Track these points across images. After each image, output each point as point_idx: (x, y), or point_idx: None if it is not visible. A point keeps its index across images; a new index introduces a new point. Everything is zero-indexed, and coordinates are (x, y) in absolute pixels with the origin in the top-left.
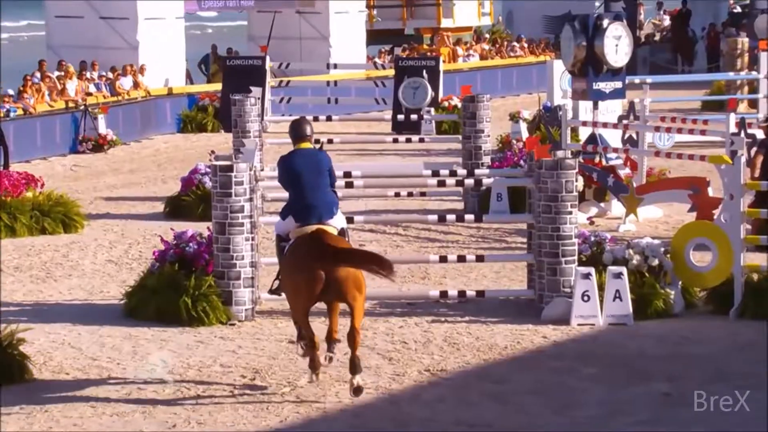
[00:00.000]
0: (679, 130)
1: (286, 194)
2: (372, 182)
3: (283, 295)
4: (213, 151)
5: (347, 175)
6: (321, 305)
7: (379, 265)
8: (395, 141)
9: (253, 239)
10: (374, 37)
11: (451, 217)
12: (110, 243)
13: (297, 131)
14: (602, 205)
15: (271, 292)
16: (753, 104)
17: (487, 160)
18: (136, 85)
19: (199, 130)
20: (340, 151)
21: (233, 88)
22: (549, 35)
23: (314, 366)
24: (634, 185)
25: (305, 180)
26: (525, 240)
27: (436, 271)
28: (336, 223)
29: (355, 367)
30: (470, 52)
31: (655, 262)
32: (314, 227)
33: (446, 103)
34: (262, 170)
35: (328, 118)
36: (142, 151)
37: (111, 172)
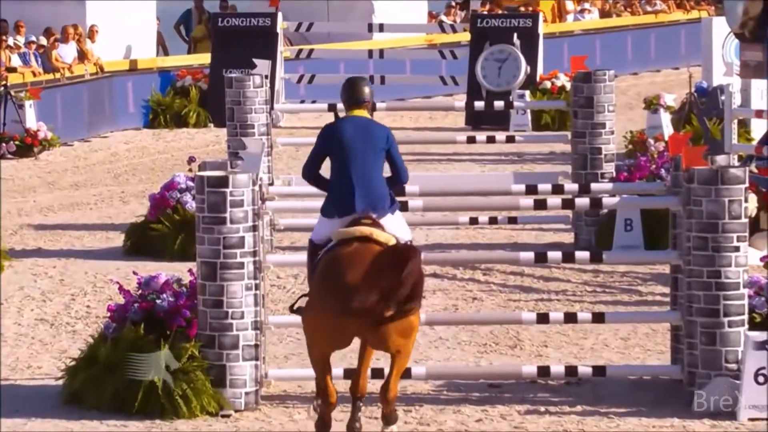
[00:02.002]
0: None
1: (306, 220)
2: (436, 202)
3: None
4: (193, 158)
5: (397, 193)
6: None
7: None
8: (471, 141)
9: (257, 288)
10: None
11: (554, 254)
12: (43, 293)
13: (352, 93)
14: None
15: (293, 311)
16: None
17: (609, 168)
18: (82, 56)
19: (178, 125)
20: None
21: (228, 62)
22: None
23: (323, 429)
24: None
25: (353, 155)
26: (667, 290)
27: (533, 336)
28: (393, 227)
29: (388, 420)
30: (585, 5)
31: None
32: (361, 231)
33: (548, 84)
34: (272, 184)
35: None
36: (91, 156)
37: (45, 186)
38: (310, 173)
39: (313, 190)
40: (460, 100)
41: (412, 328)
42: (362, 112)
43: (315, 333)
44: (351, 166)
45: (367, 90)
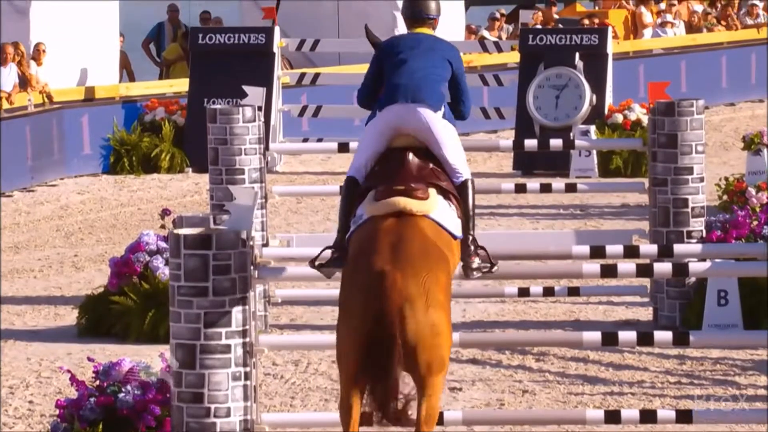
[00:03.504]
0: None
1: (309, 291)
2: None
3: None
4: (167, 211)
5: None
6: None
7: None
8: (521, 189)
9: (247, 377)
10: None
11: (627, 335)
12: None
13: (413, 7)
14: None
15: (313, 264)
16: None
17: (698, 225)
18: (24, 82)
19: (146, 169)
20: None
21: (210, 89)
22: None
23: None
24: None
25: (408, 60)
26: None
27: None
28: (448, 149)
29: None
30: (668, 17)
31: None
32: (394, 203)
33: (620, 117)
34: (267, 245)
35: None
36: (36, 210)
37: None
38: (366, 100)
39: (323, 252)
40: (507, 139)
41: (441, 349)
42: (426, 30)
43: (341, 337)
44: (405, 67)
45: (432, 5)
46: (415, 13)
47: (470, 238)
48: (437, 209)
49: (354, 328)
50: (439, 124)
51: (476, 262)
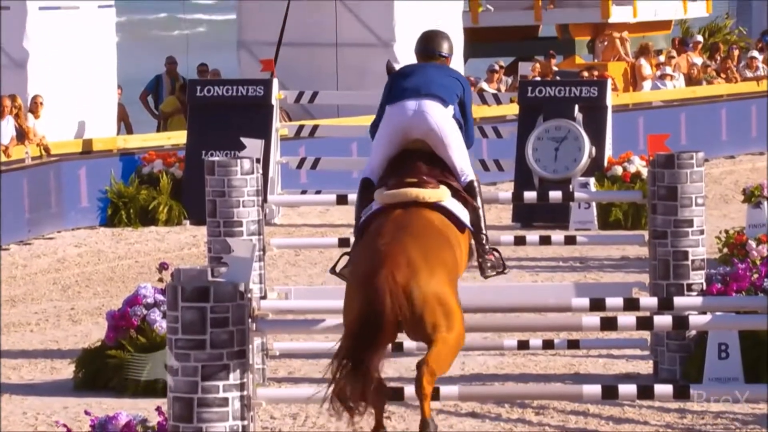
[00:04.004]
0: None
1: (308, 345)
2: (476, 321)
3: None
4: (165, 264)
5: None
6: None
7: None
8: (520, 242)
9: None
10: (481, 41)
11: (628, 389)
12: None
13: (425, 44)
14: None
15: (333, 272)
16: None
17: (698, 278)
18: (22, 135)
19: (144, 222)
20: None
21: (209, 142)
22: None
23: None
24: None
25: (416, 71)
26: None
27: None
28: (454, 150)
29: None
30: (667, 69)
31: None
32: (406, 193)
33: (619, 170)
34: (264, 298)
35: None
36: (32, 263)
37: None
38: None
39: (319, 305)
40: (506, 191)
41: (449, 305)
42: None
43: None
44: (411, 77)
45: (445, 44)
46: (427, 50)
47: (483, 237)
48: (449, 199)
49: (354, 299)
50: (447, 128)
51: (491, 261)
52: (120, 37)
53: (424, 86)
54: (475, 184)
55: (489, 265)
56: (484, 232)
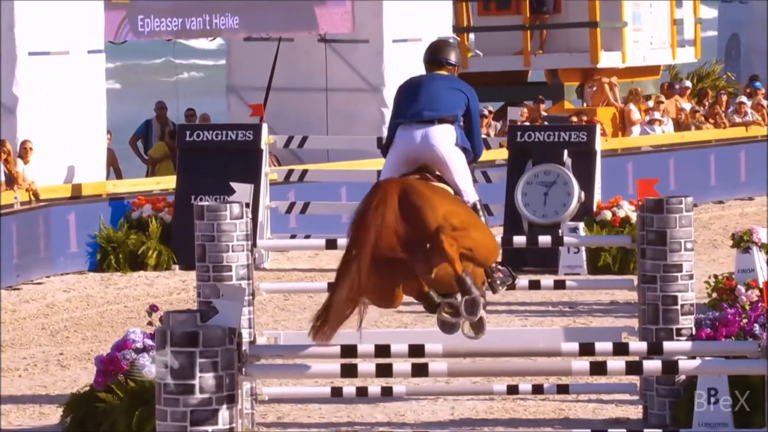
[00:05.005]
0: None
1: (298, 389)
2: (464, 366)
3: None
4: (154, 308)
5: (416, 352)
6: None
7: None
8: (510, 286)
9: None
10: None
11: None
12: None
13: (433, 53)
14: None
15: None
16: None
17: (687, 323)
18: (11, 180)
19: (133, 267)
20: (405, 306)
21: (198, 186)
22: None
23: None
24: None
25: (423, 89)
26: None
27: None
28: (454, 167)
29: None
30: (656, 114)
31: None
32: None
33: (608, 214)
34: (253, 342)
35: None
36: (21, 308)
37: None
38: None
39: (310, 350)
40: (496, 235)
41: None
42: (444, 73)
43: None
44: (418, 95)
45: (453, 53)
46: (435, 57)
47: None
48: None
49: (357, 211)
50: (451, 155)
51: (500, 277)
52: (115, 83)
53: (429, 107)
54: (479, 206)
55: (498, 282)
56: None
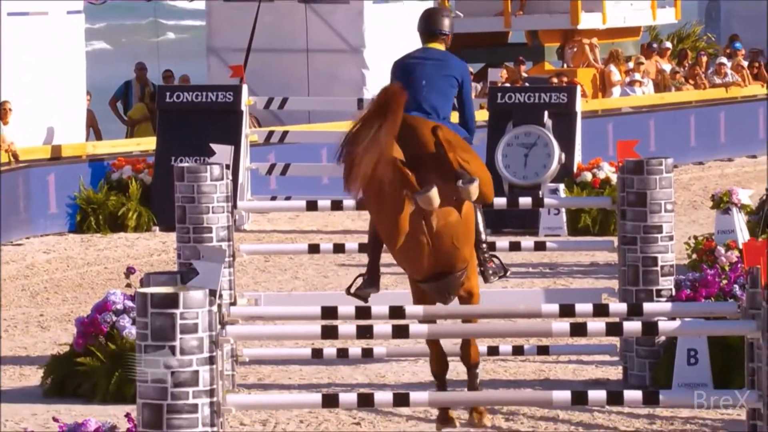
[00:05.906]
0: None
1: (278, 350)
2: (445, 328)
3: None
4: (133, 269)
5: (396, 313)
6: None
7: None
8: (490, 248)
9: None
10: (450, 48)
11: (597, 394)
12: None
13: (427, 23)
14: None
15: (349, 293)
16: None
17: (667, 284)
18: None
19: (113, 228)
20: (387, 267)
21: (178, 148)
22: None
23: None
24: None
25: (418, 79)
26: None
27: None
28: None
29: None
30: (636, 76)
31: None
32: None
33: (588, 176)
34: (234, 304)
35: (361, 205)
36: (1, 269)
37: None
38: None
39: (289, 311)
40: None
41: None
42: (438, 46)
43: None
44: (412, 86)
45: (446, 21)
46: (428, 28)
47: (484, 245)
48: None
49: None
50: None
51: (492, 267)
52: (105, 43)
53: (422, 95)
54: None
55: (491, 272)
56: (484, 239)
